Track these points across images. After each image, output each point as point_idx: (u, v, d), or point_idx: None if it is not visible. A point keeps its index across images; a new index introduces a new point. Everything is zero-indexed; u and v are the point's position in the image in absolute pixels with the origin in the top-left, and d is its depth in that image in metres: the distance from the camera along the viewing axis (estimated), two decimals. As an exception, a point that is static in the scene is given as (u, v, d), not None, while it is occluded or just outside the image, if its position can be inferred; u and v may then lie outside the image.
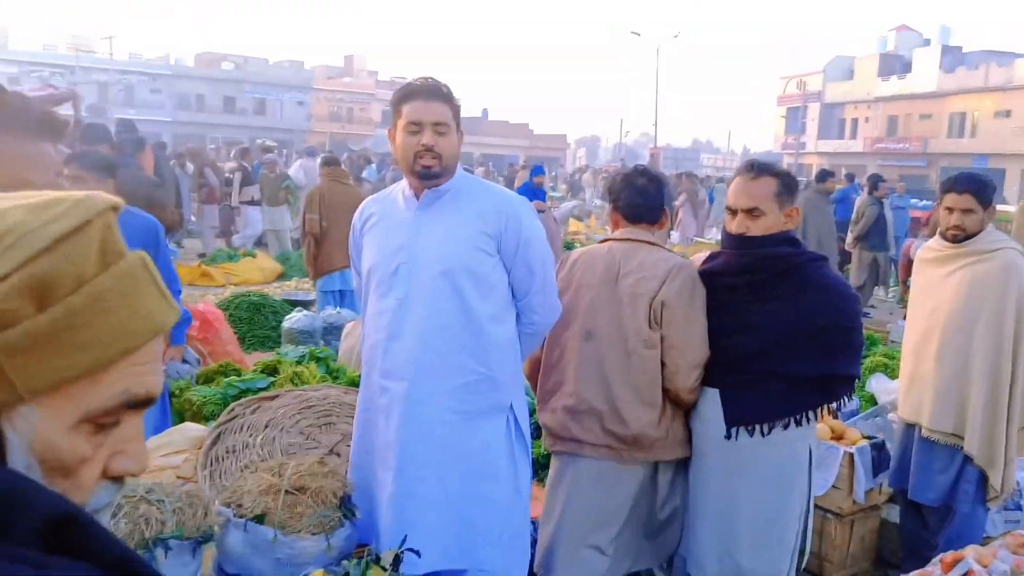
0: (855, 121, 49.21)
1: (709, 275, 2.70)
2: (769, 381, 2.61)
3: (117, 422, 0.73)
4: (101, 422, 0.71)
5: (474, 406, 2.48)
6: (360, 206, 2.76)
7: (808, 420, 2.66)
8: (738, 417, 2.63)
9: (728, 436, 2.63)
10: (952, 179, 3.36)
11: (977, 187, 3.29)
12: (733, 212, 2.65)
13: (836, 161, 41.95)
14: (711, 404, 2.67)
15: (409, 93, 2.46)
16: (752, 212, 2.60)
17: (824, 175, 10.14)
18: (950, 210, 3.33)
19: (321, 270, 7.17)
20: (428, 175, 2.45)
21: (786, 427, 2.62)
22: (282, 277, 10.53)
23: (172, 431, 3.26)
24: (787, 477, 2.68)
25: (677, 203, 15.88)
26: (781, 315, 2.58)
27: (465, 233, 2.48)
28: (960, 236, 3.33)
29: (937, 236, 3.50)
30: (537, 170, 10.20)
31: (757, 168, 2.66)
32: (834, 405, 2.81)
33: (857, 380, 2.74)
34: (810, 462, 2.72)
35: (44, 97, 5.02)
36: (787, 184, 2.64)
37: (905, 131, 44.56)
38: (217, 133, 47.75)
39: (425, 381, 2.44)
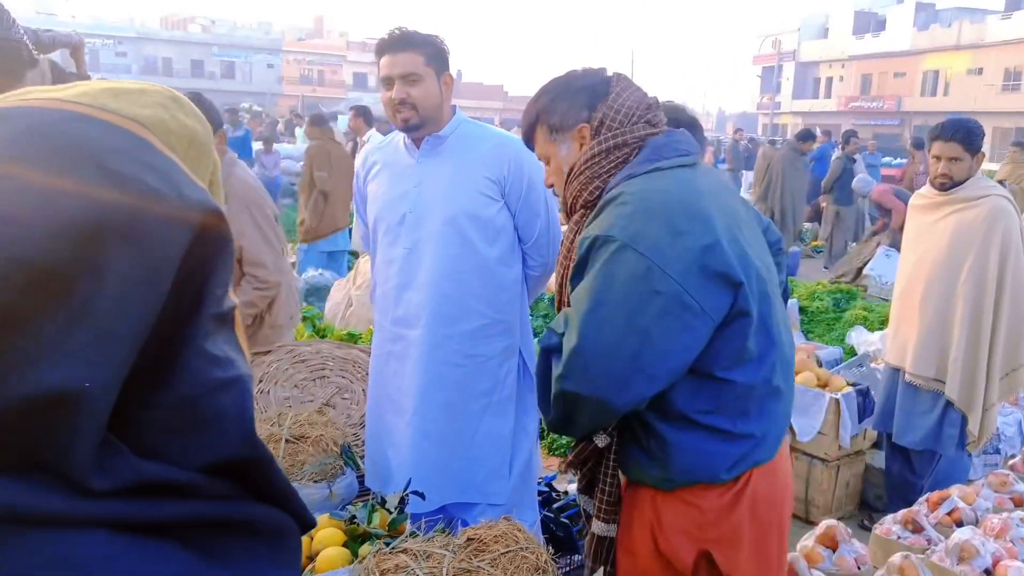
0: (829, 80, 49.28)
1: None
2: None
3: None
4: None
5: (486, 349, 2.54)
6: (362, 153, 2.75)
7: None
8: None
9: None
10: (939, 126, 3.38)
11: (964, 134, 3.31)
12: None
13: (811, 120, 42.05)
14: None
15: (381, 47, 2.47)
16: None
17: (806, 135, 10.30)
18: (937, 158, 3.36)
19: (324, 231, 7.05)
20: (408, 128, 2.46)
21: None
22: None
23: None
24: None
25: None
26: None
27: (468, 179, 2.48)
28: (948, 184, 3.35)
29: (927, 183, 3.53)
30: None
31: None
32: None
33: None
34: None
35: (50, 35, 4.65)
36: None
37: (879, 90, 44.72)
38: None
39: (439, 327, 2.49)
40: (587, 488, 1.80)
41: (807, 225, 12.81)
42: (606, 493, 1.72)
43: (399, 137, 2.62)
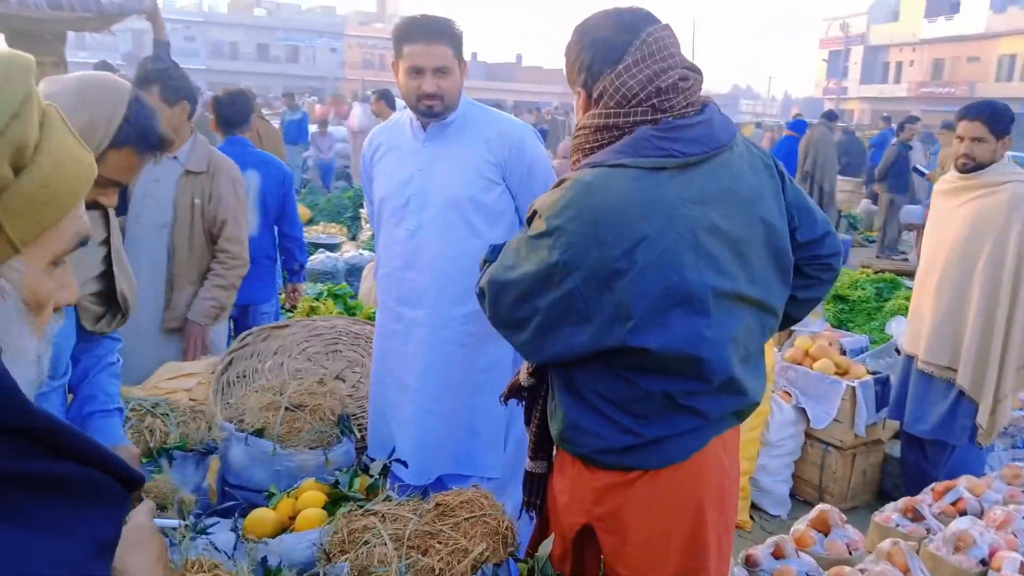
0: (899, 65, 47.65)
1: None
2: None
3: (64, 263, 0.86)
4: (58, 263, 0.85)
5: (488, 328, 2.57)
6: (369, 135, 2.83)
7: None
8: None
9: None
10: (966, 106, 3.31)
11: (990, 114, 3.23)
12: None
13: (879, 106, 40.81)
14: None
15: (410, 33, 2.48)
16: None
17: (831, 115, 10.91)
18: (961, 138, 3.28)
19: None
20: (431, 114, 2.53)
21: None
22: (310, 222, 10.65)
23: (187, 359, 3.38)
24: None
25: None
26: None
27: (471, 163, 2.54)
28: (970, 165, 3.28)
29: (952, 167, 3.46)
30: None
31: None
32: None
33: None
34: None
35: (117, 3, 4.55)
36: None
37: (951, 75, 43.08)
38: (251, 81, 47.77)
39: (443, 308, 2.57)
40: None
41: (860, 211, 12.53)
42: (532, 433, 1.82)
43: (405, 119, 2.69)
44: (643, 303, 1.49)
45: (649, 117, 1.54)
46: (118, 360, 2.01)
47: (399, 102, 7.95)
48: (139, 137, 1.65)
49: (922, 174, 10.26)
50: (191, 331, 3.19)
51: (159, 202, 3.16)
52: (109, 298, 1.85)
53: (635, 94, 1.54)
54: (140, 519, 1.00)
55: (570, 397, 1.64)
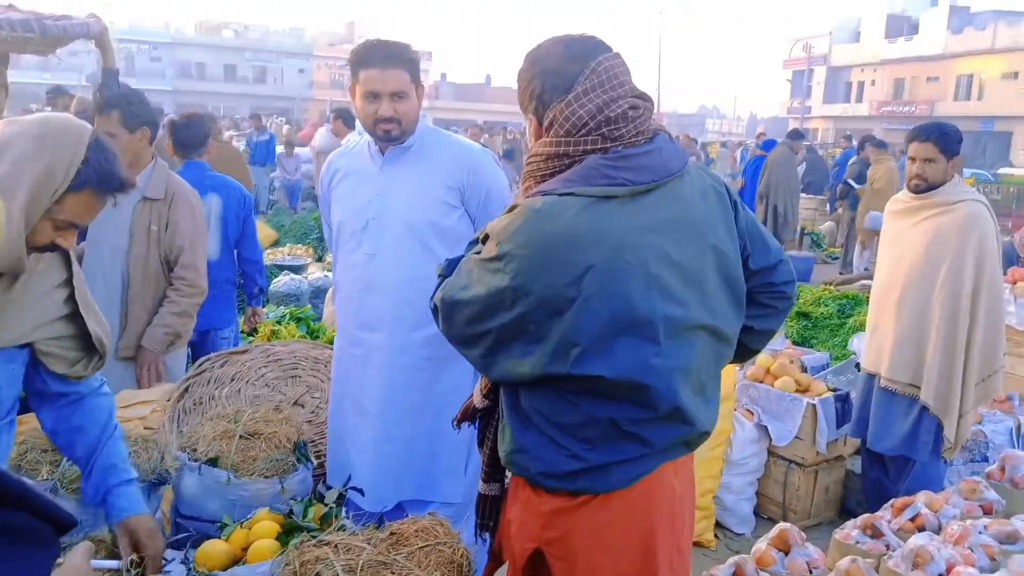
0: (861, 84, 48.64)
1: None
2: None
3: None
4: None
5: (446, 351, 2.56)
6: (327, 160, 2.82)
7: None
8: None
9: None
10: (916, 128, 3.37)
11: (939, 135, 3.29)
12: None
13: (841, 125, 41.60)
14: None
15: (366, 58, 2.49)
16: None
17: (796, 135, 10.54)
18: (912, 159, 3.34)
19: None
20: (389, 139, 2.54)
21: None
22: (276, 244, 10.57)
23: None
24: None
25: None
26: None
27: (429, 187, 2.54)
28: (922, 186, 3.34)
29: (904, 187, 3.52)
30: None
31: None
32: None
33: None
34: None
35: (61, 25, 4.40)
36: None
37: (912, 94, 44.04)
38: (218, 102, 47.54)
39: (402, 332, 2.56)
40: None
41: (824, 229, 12.71)
42: (485, 455, 1.81)
43: (363, 144, 2.69)
44: (589, 331, 1.50)
45: (599, 146, 1.55)
46: (118, 423, 2.00)
47: (358, 124, 7.96)
48: (99, 180, 1.64)
49: (851, 188, 10.52)
50: (144, 358, 3.13)
51: (115, 227, 3.11)
52: (81, 341, 1.82)
53: (584, 123, 1.55)
54: (76, 561, 0.98)
55: (518, 419, 1.63)
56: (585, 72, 1.56)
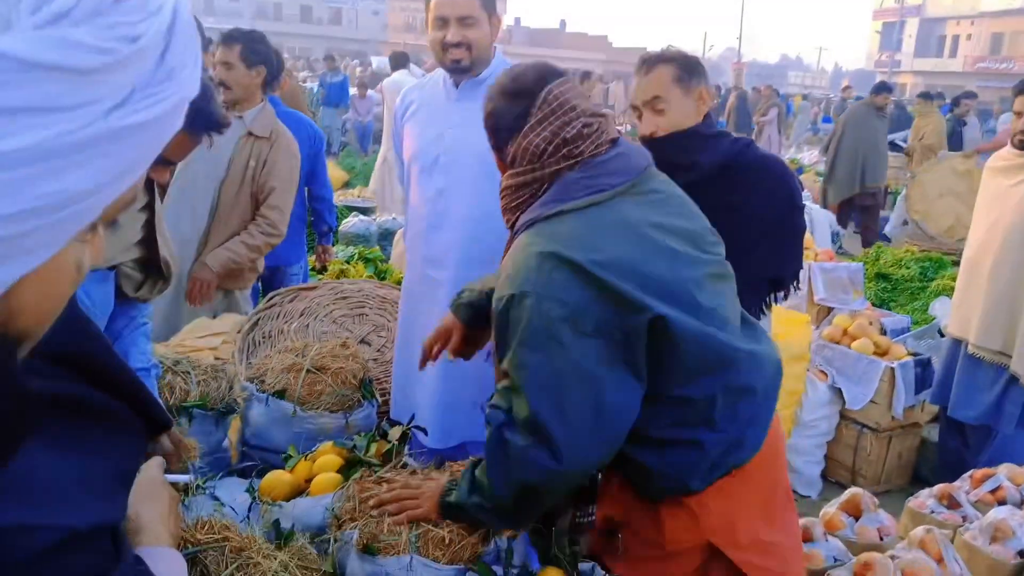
0: (956, 38, 46.11)
1: None
2: None
3: None
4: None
5: None
6: (401, 93, 2.78)
7: (761, 317, 2.51)
8: None
9: None
10: (1022, 81, 3.13)
11: (1050, 90, 3.06)
12: (638, 113, 2.42)
13: (933, 81, 39.61)
14: None
15: None
16: (654, 104, 2.35)
17: (880, 88, 9.09)
18: (1019, 114, 3.12)
19: None
20: (457, 68, 2.48)
21: None
22: (346, 185, 10.65)
23: (215, 318, 3.38)
24: None
25: (765, 118, 15.29)
26: (740, 212, 2.33)
27: None
28: (1028, 142, 3.12)
29: (1008, 144, 3.30)
30: None
31: (649, 60, 2.40)
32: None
33: (800, 269, 2.57)
34: None
35: None
36: (686, 66, 2.36)
37: (1011, 50, 41.56)
38: (293, 43, 47.89)
39: (468, 269, 2.50)
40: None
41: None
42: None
43: (438, 77, 2.63)
44: (640, 294, 1.47)
45: (564, 164, 1.57)
46: (149, 321, 2.02)
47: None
48: (196, 120, 1.63)
49: (899, 148, 9.89)
50: (200, 274, 3.18)
51: (215, 157, 3.17)
52: (148, 264, 1.85)
53: (543, 150, 1.58)
54: (152, 472, 1.01)
55: (640, 447, 1.57)
56: (535, 105, 1.59)
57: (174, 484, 1.76)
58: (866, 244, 8.44)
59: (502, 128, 1.64)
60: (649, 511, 1.65)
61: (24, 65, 0.38)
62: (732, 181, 2.36)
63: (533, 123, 1.58)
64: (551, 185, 1.57)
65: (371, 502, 1.67)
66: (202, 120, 1.65)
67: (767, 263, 2.41)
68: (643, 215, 1.55)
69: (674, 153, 2.31)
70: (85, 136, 0.41)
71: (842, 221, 8.88)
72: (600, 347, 1.44)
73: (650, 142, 2.36)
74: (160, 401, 1.89)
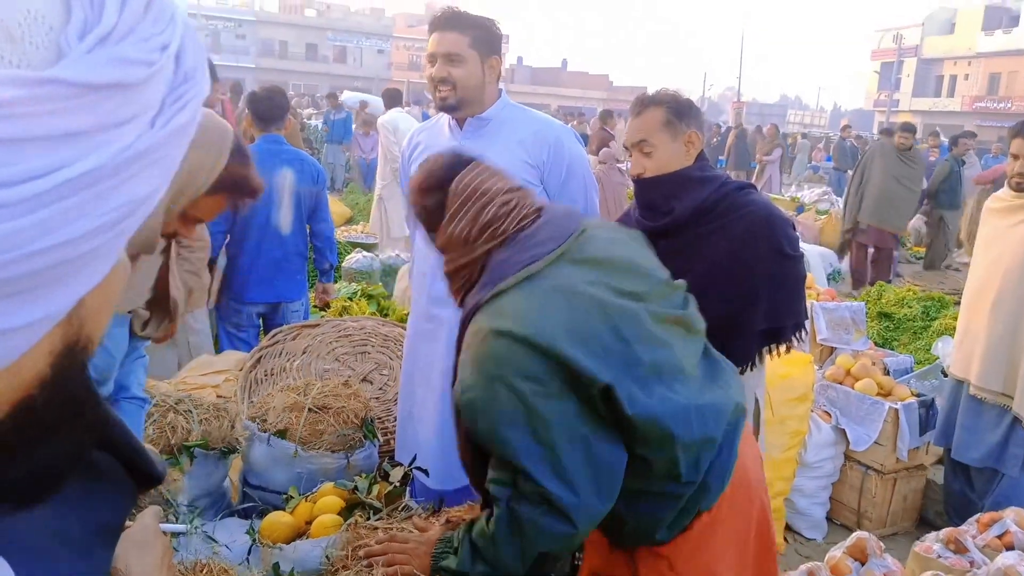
0: (953, 78, 46.60)
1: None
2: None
3: None
4: None
5: None
6: (409, 134, 2.81)
7: (752, 368, 2.44)
8: None
9: None
10: (1020, 123, 3.17)
11: (1047, 132, 3.09)
12: (629, 153, 2.45)
13: (931, 120, 39.89)
14: None
15: (431, 24, 2.53)
16: (641, 146, 2.38)
17: (906, 127, 8.48)
18: (1016, 156, 3.15)
19: None
20: (444, 106, 2.51)
21: None
22: (350, 222, 10.71)
23: (218, 355, 3.38)
24: None
25: (769, 158, 15.48)
26: (711, 260, 2.32)
27: (508, 163, 2.47)
28: (1025, 184, 3.14)
29: (1006, 185, 3.32)
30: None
31: (641, 103, 2.42)
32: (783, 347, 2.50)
33: (805, 320, 2.47)
34: (758, 411, 2.56)
35: None
36: (676, 110, 2.37)
37: (1008, 90, 41.97)
38: (299, 80, 48.46)
39: None
40: None
41: (911, 226, 12.18)
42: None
43: (444, 119, 2.66)
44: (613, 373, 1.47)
45: (492, 244, 1.60)
46: (147, 354, 2.03)
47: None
48: (234, 186, 1.65)
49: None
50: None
51: None
52: (155, 304, 1.86)
53: (467, 235, 1.61)
54: (147, 521, 1.00)
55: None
56: (449, 197, 1.63)
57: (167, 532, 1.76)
58: (860, 284, 8.44)
59: (425, 223, 1.69)
60: (626, 561, 1.65)
61: (85, 89, 0.40)
62: (707, 227, 2.35)
63: (451, 214, 1.63)
64: (486, 265, 1.60)
65: (360, 553, 1.66)
66: (244, 188, 1.67)
67: (757, 312, 2.35)
68: (581, 275, 1.54)
69: (655, 196, 2.39)
70: (141, 145, 0.44)
71: (843, 250, 8.89)
72: (573, 406, 1.46)
73: (637, 182, 2.45)
74: (145, 447, 1.89)
